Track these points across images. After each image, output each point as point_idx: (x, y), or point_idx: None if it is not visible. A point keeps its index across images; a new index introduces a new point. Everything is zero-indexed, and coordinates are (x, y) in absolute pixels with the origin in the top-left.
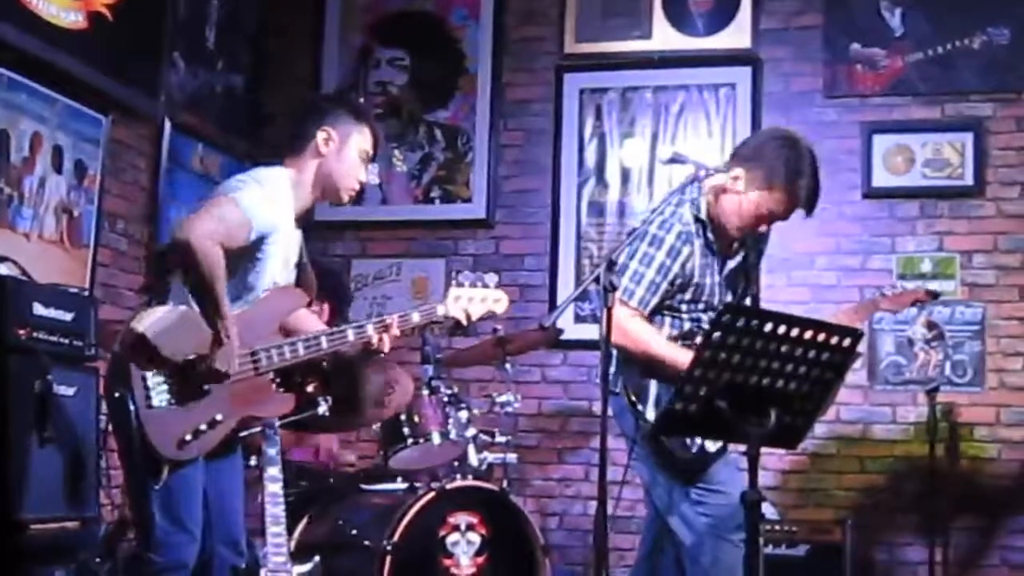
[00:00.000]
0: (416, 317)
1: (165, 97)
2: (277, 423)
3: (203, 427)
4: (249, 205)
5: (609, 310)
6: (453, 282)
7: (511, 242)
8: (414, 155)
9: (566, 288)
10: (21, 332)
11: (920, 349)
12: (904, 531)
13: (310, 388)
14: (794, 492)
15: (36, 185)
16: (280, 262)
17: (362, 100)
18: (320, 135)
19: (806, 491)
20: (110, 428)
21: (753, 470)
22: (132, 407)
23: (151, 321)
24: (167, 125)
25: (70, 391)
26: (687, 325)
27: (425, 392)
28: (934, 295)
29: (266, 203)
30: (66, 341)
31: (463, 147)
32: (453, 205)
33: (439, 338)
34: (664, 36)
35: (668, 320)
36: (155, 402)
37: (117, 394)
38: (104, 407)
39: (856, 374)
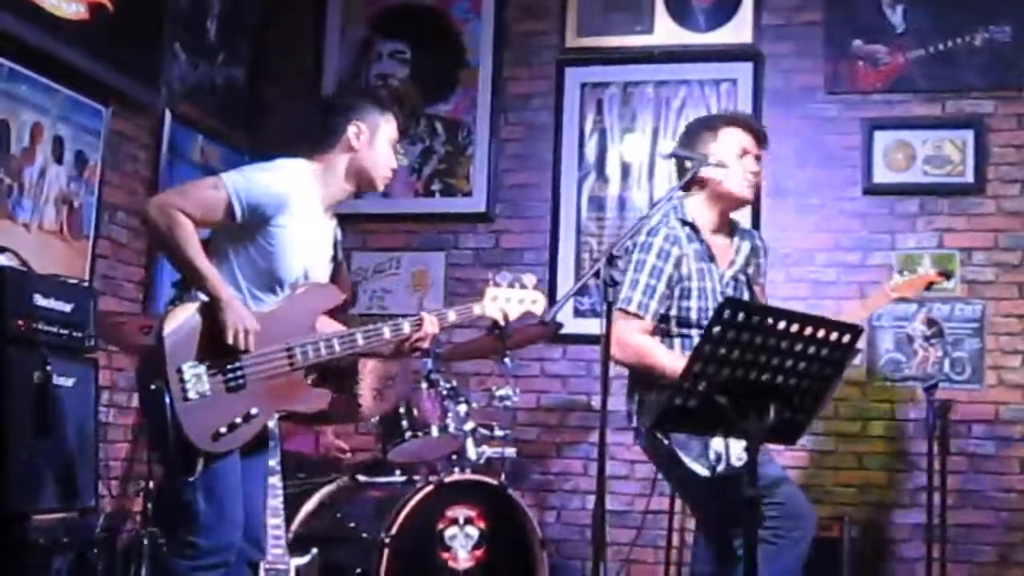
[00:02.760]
0: (452, 316)
1: (166, 88)
2: (276, 416)
3: (238, 420)
4: (234, 182)
5: (609, 304)
6: (491, 282)
7: (511, 236)
8: (414, 148)
9: (566, 282)
10: (20, 323)
11: (919, 346)
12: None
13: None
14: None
15: (36, 176)
16: (302, 250)
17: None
18: (351, 129)
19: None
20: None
21: (752, 466)
22: (167, 399)
23: (171, 328)
24: (167, 116)
25: (69, 382)
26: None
27: (424, 385)
28: (947, 275)
29: (265, 183)
30: (66, 332)
31: (464, 141)
32: (453, 199)
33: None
34: (666, 31)
35: (678, 342)
36: (191, 395)
37: (153, 387)
38: (106, 398)
39: (855, 370)
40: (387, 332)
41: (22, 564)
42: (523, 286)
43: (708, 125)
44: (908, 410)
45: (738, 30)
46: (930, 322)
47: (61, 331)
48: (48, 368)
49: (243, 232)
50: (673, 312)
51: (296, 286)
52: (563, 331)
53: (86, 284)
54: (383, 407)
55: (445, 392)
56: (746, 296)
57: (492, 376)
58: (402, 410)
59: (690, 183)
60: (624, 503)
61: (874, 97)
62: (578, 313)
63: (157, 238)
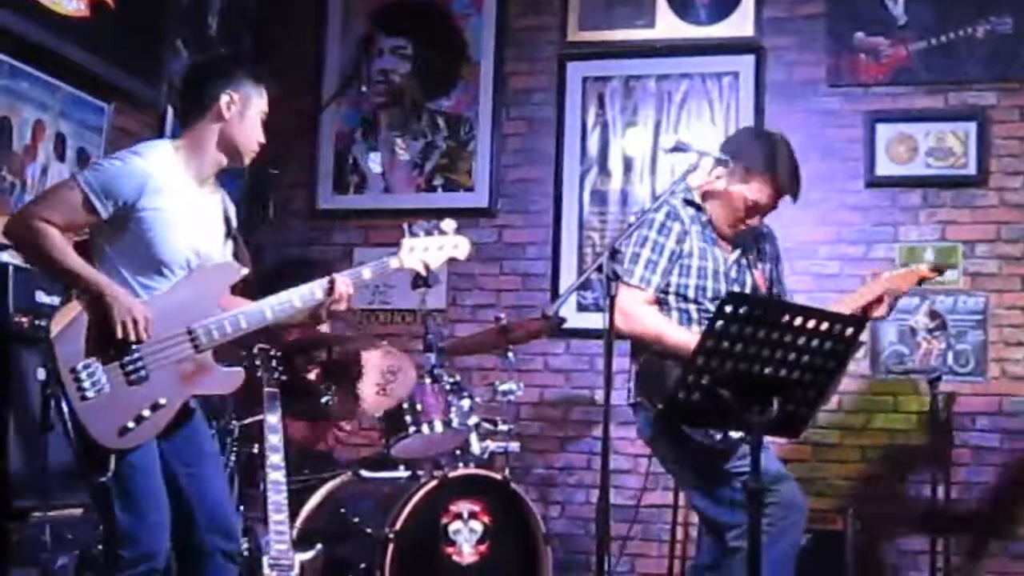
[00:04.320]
0: (367, 273)
1: (167, 85)
2: (279, 412)
3: (146, 412)
4: (85, 177)
5: (612, 299)
6: (407, 233)
7: (513, 231)
8: (416, 143)
9: (568, 277)
10: (23, 320)
11: (922, 338)
12: (905, 520)
13: (312, 376)
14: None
15: (39, 173)
16: (184, 229)
17: (364, 88)
18: (223, 99)
19: (808, 480)
20: None
21: (755, 459)
22: (65, 403)
23: (58, 330)
24: (169, 113)
25: None
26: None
27: (427, 380)
28: (940, 270)
29: (117, 170)
30: None
31: (465, 136)
32: (455, 194)
33: (442, 327)
34: (667, 24)
35: (675, 315)
36: (89, 394)
37: (49, 391)
38: None
39: (858, 363)
40: (297, 300)
41: (26, 560)
42: (443, 232)
43: (751, 160)
44: (911, 403)
45: (740, 23)
46: (933, 315)
47: None
48: (50, 364)
49: (115, 225)
50: (672, 288)
51: (191, 267)
52: (566, 326)
53: None
54: (386, 403)
55: (448, 387)
56: (748, 279)
57: (495, 371)
58: (405, 405)
59: (706, 193)
60: (628, 497)
61: (876, 90)
62: (581, 308)
63: (25, 252)
